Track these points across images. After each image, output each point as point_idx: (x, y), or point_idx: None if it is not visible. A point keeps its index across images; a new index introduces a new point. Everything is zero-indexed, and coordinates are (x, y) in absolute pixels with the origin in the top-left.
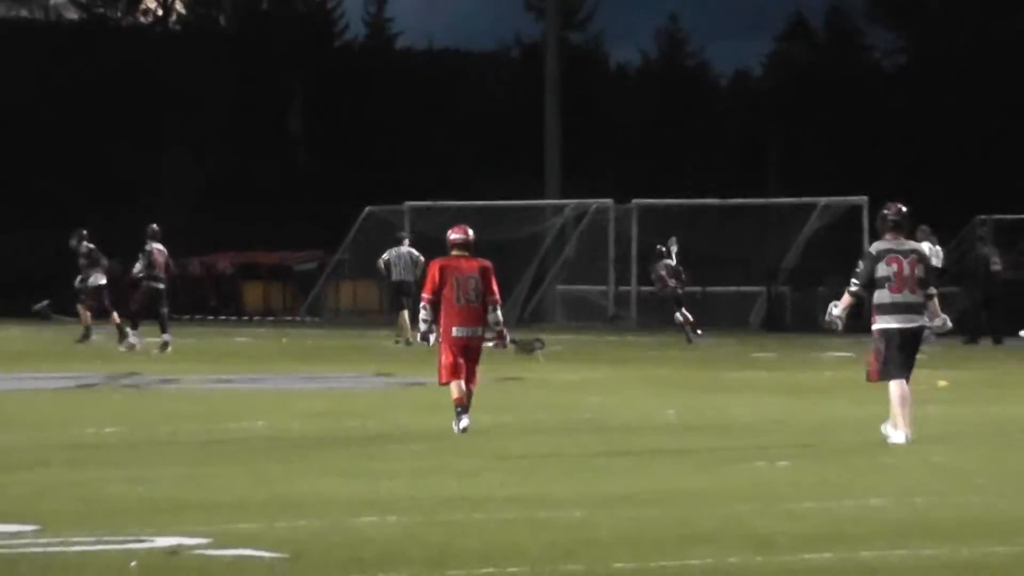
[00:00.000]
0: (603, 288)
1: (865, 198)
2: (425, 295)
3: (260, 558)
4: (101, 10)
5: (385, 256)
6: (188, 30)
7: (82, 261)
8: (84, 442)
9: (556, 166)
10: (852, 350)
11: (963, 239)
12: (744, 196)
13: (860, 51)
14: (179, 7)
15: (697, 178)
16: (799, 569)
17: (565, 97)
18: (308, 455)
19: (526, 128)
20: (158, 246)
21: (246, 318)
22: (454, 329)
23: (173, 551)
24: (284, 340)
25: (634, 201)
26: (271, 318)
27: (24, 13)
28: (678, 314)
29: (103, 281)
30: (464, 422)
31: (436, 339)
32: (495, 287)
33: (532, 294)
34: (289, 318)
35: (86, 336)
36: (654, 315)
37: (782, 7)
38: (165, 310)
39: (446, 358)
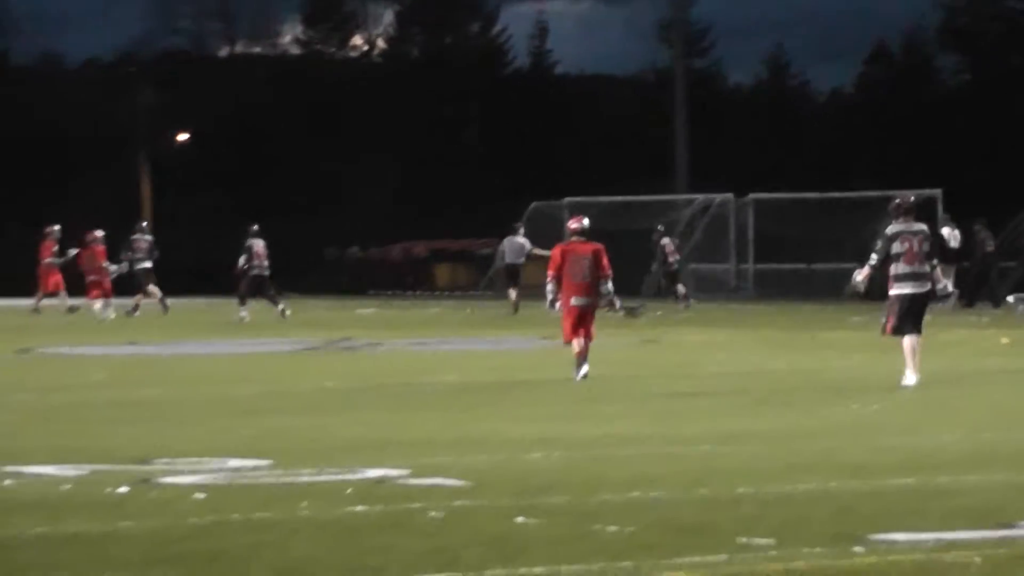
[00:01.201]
0: (726, 266)
1: (939, 191)
2: (551, 272)
3: (450, 485)
4: (319, 46)
5: (501, 246)
6: (387, 61)
7: (143, 245)
8: (308, 393)
9: (685, 167)
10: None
11: (1018, 224)
12: (840, 190)
13: (931, 71)
14: (380, 43)
15: (802, 175)
16: (887, 492)
17: (691, 112)
18: (487, 402)
19: (660, 137)
20: (259, 241)
21: (437, 293)
22: (572, 299)
23: (380, 480)
24: (468, 311)
25: (750, 195)
26: (458, 293)
27: (258, 49)
28: (680, 286)
29: (149, 265)
30: (584, 370)
31: (559, 307)
32: (606, 264)
33: None
34: (472, 293)
35: (135, 309)
36: (770, 288)
37: (867, 36)
38: (272, 291)
39: (567, 324)
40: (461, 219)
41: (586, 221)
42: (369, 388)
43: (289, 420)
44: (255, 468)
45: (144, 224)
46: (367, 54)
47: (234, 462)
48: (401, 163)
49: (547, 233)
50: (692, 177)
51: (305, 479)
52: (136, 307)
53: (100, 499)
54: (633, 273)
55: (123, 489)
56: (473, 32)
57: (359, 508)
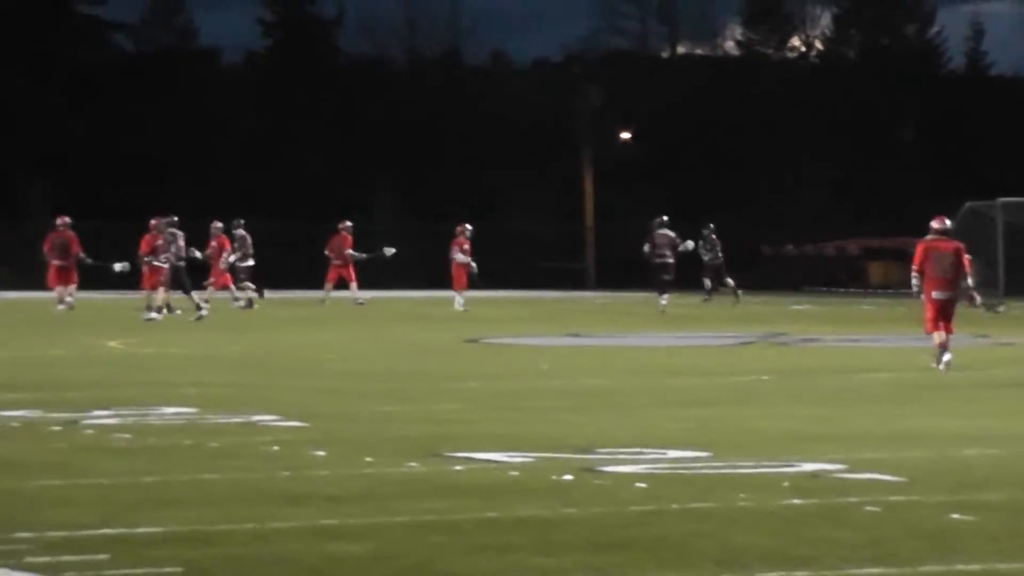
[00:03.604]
0: None
1: None
2: (914, 267)
3: (885, 481)
4: (758, 48)
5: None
6: (824, 61)
7: (236, 245)
8: (743, 386)
9: None
10: None
11: None
12: None
13: None
14: (817, 44)
15: None
16: None
17: None
18: (920, 398)
19: None
20: (661, 231)
21: (870, 291)
22: (934, 293)
23: (816, 474)
24: (902, 308)
25: None
26: (891, 291)
27: (699, 50)
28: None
29: (251, 263)
30: (946, 357)
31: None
32: (965, 262)
33: None
34: (905, 291)
35: (249, 304)
36: None
37: None
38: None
39: (928, 315)
40: (895, 217)
41: (948, 222)
42: (803, 382)
43: (725, 412)
44: (694, 459)
45: (242, 221)
46: (804, 55)
47: (673, 452)
48: (836, 162)
49: (978, 233)
50: None
51: (741, 471)
52: (250, 300)
53: (546, 486)
54: None
55: (567, 477)
56: (909, 33)
57: (795, 501)
